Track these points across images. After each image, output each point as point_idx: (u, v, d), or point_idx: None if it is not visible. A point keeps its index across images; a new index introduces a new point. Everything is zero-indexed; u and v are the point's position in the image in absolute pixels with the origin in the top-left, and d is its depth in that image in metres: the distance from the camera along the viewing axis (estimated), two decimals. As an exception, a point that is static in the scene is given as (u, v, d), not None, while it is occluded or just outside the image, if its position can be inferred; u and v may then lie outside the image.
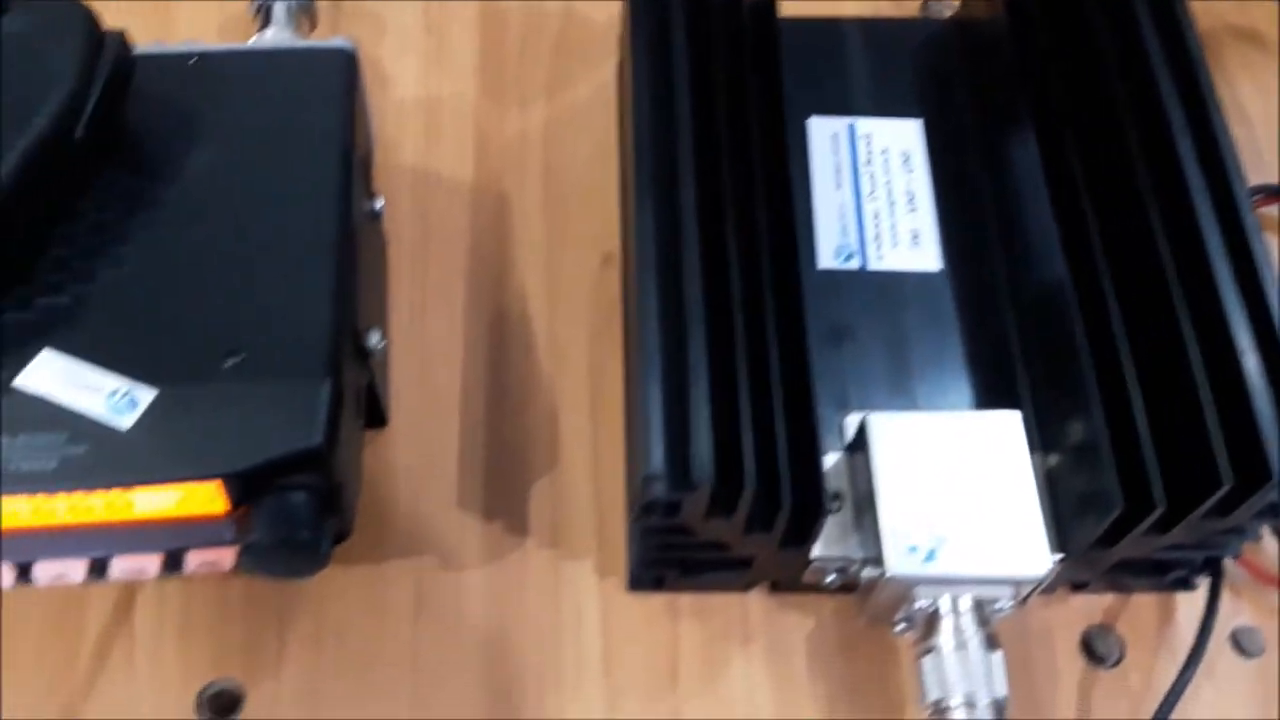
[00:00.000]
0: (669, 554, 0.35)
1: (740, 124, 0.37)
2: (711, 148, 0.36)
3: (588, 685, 0.37)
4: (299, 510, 0.31)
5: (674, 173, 0.35)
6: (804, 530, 0.33)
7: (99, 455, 0.31)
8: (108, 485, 0.31)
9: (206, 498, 0.32)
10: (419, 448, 0.41)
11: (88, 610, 0.38)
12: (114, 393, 0.32)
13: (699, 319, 0.33)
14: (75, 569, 0.33)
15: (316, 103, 0.39)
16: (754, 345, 0.33)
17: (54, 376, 0.32)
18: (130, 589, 0.38)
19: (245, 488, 0.32)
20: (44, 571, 0.33)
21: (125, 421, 0.31)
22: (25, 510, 0.31)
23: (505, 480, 0.41)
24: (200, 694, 0.37)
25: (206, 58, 0.40)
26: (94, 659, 0.37)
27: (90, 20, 0.36)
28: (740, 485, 0.31)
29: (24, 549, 0.32)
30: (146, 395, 0.32)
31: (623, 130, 0.46)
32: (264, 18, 0.44)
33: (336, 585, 0.38)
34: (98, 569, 0.33)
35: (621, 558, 0.39)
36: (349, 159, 0.38)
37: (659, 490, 0.31)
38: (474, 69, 0.49)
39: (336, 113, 0.39)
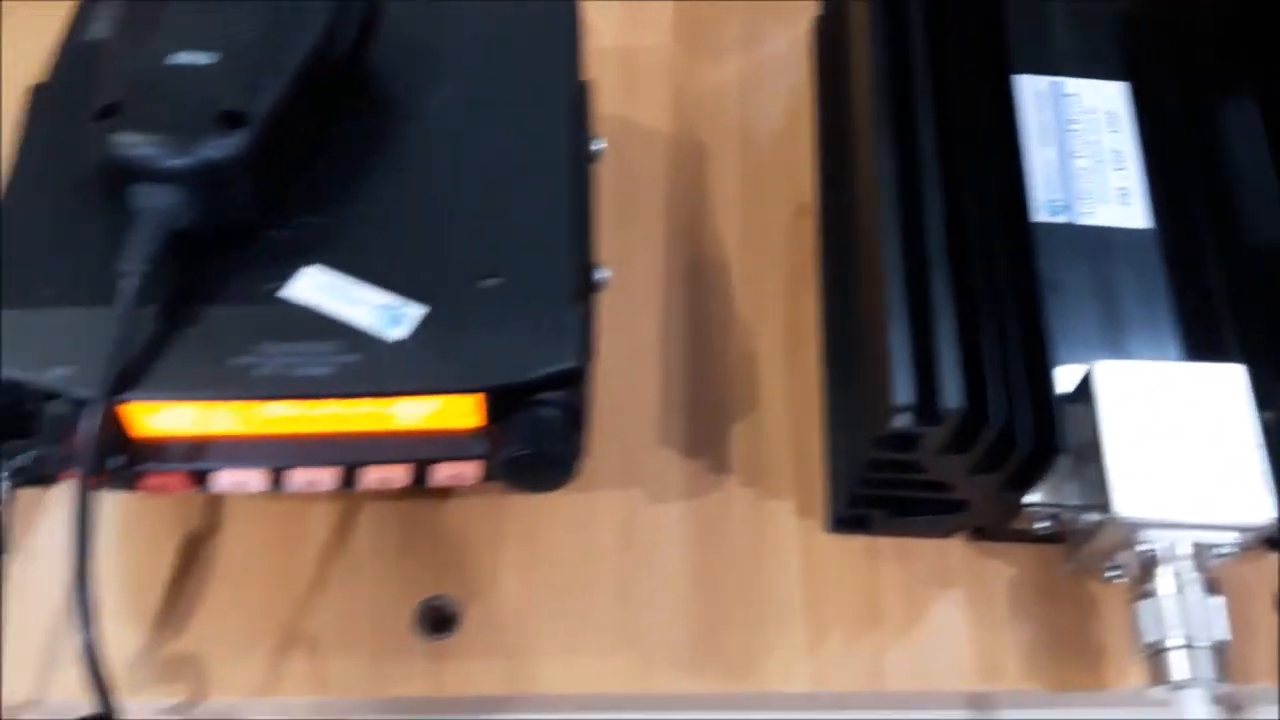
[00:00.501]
0: (885, 491, 0.36)
1: (968, 75, 0.38)
2: (944, 95, 0.37)
3: (791, 622, 0.38)
4: (554, 426, 0.33)
5: (911, 116, 0.36)
6: (1035, 472, 0.34)
7: (372, 364, 0.32)
8: (384, 393, 0.32)
9: (464, 411, 0.33)
10: (622, 386, 0.42)
11: (308, 526, 0.39)
12: (382, 306, 0.33)
13: (941, 258, 0.34)
14: (327, 477, 0.34)
15: (546, 43, 0.40)
16: (991, 288, 0.34)
17: (321, 289, 0.33)
18: (351, 508, 0.39)
19: (502, 403, 0.33)
20: (297, 478, 0.34)
21: (394, 334, 0.33)
22: (294, 415, 0.33)
23: (705, 420, 0.42)
24: (418, 609, 0.38)
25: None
26: (315, 573, 0.38)
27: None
28: (982, 422, 0.32)
29: (281, 454, 0.34)
30: (413, 310, 0.33)
31: (822, 83, 0.47)
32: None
33: (547, 513, 0.39)
34: (348, 478, 0.34)
35: (819, 500, 0.40)
36: (581, 97, 0.39)
37: (905, 421, 0.32)
38: (670, 23, 0.50)
39: (566, 53, 0.40)
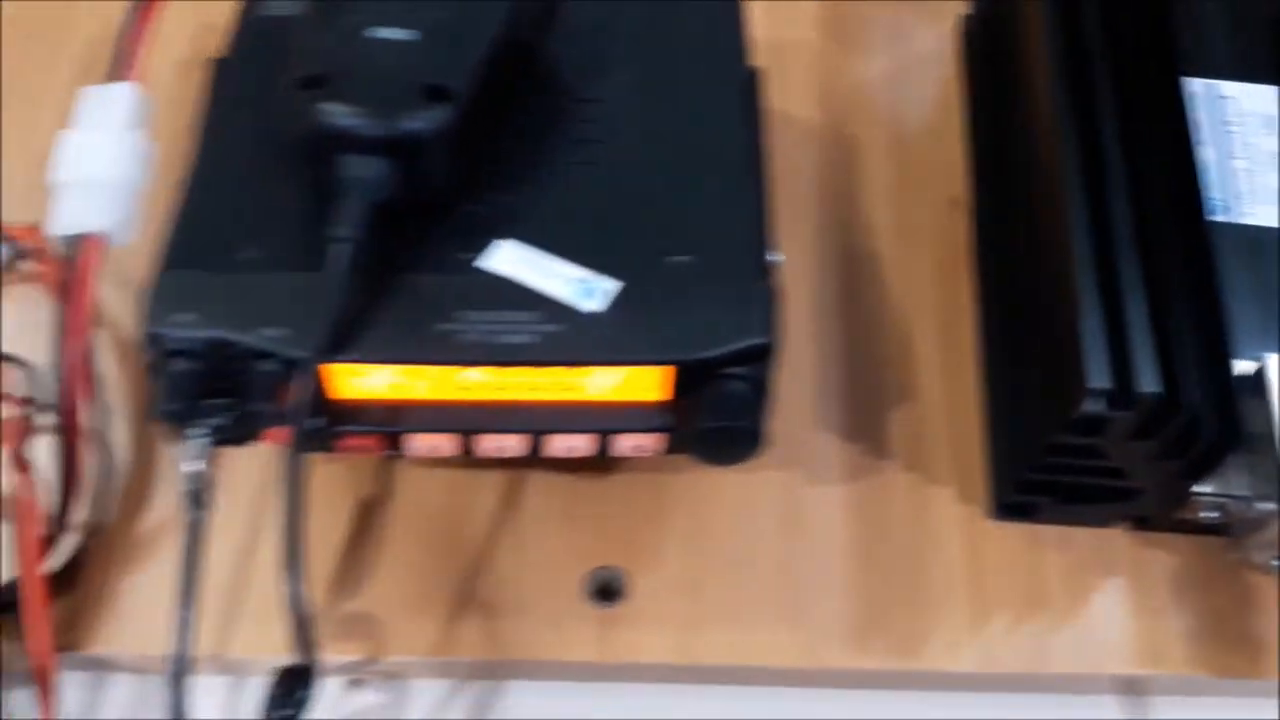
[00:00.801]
0: (1059, 477, 0.37)
1: (1142, 73, 0.38)
2: (1122, 91, 0.37)
3: (954, 604, 0.39)
4: (744, 399, 0.33)
5: (1092, 111, 0.36)
6: (1214, 461, 0.34)
7: (570, 334, 0.33)
8: (583, 362, 0.33)
9: (652, 383, 0.34)
10: (779, 370, 0.42)
11: (476, 495, 0.40)
12: (577, 280, 0.34)
13: (1128, 247, 0.34)
14: (514, 443, 0.35)
15: (714, 29, 0.41)
16: (1174, 279, 0.34)
17: (518, 262, 0.34)
18: (516, 479, 0.40)
19: (690, 377, 0.34)
20: (486, 444, 0.35)
21: (590, 306, 0.33)
22: (487, 381, 0.34)
23: (862, 405, 0.42)
24: (586, 577, 0.39)
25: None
26: (485, 540, 0.39)
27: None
28: (1174, 408, 0.32)
29: (472, 420, 0.35)
30: (606, 284, 0.34)
31: (974, 79, 0.47)
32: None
33: (712, 490, 0.40)
34: (534, 445, 0.35)
35: (978, 485, 0.40)
36: (754, 82, 0.40)
37: (1097, 405, 0.32)
38: (815, 17, 0.50)
39: (735, 40, 0.41)
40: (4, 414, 0.38)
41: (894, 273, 0.45)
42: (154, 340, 0.33)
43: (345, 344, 0.33)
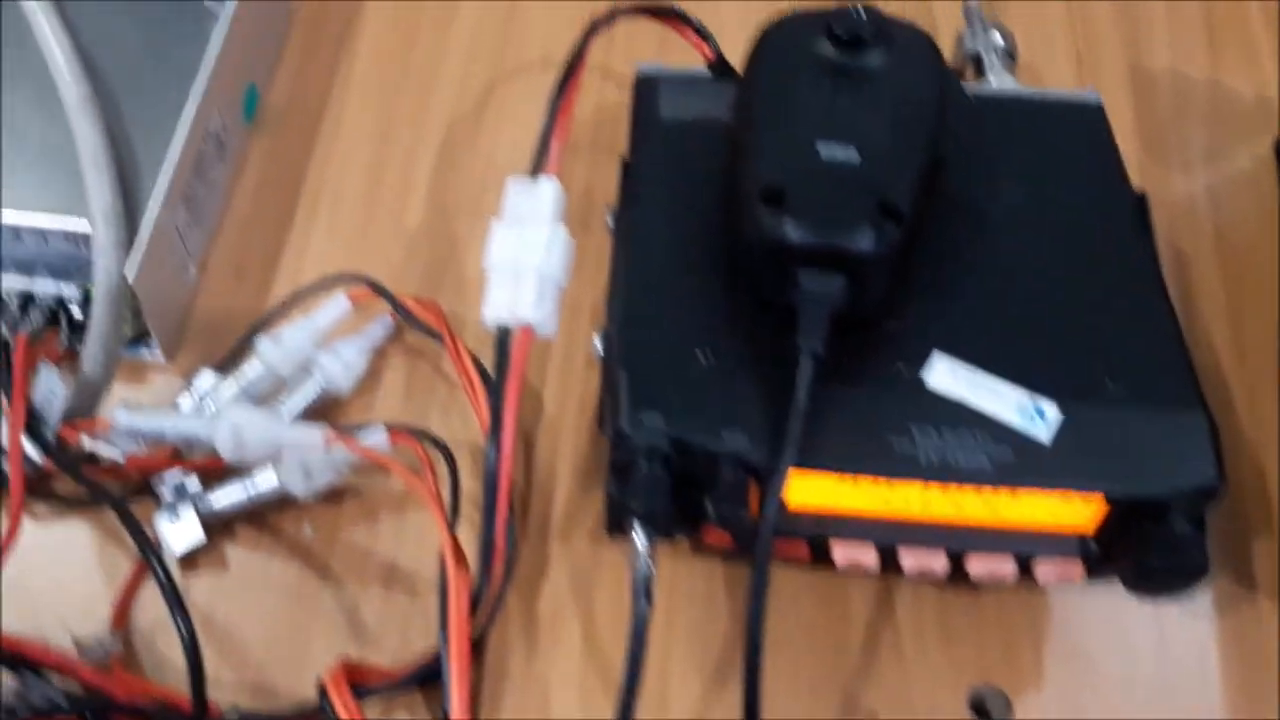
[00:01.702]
0: None
1: None
2: None
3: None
4: (1189, 539, 0.33)
5: None
6: None
7: (1022, 458, 0.33)
8: (1038, 487, 0.33)
9: (1086, 512, 0.34)
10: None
11: (851, 605, 0.39)
12: (1023, 402, 0.34)
13: None
14: (938, 562, 0.35)
15: (1090, 150, 0.41)
16: None
17: (957, 379, 0.34)
18: (887, 589, 0.40)
19: (1133, 510, 0.34)
20: (911, 560, 0.35)
21: (1037, 431, 0.34)
22: (916, 496, 0.34)
23: (1221, 532, 0.42)
24: (970, 694, 0.38)
25: (981, 100, 0.43)
26: (864, 649, 0.39)
27: (937, 48, 0.39)
28: None
29: (896, 534, 0.35)
30: (1052, 410, 0.34)
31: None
32: (976, 65, 0.47)
33: (1085, 609, 0.40)
34: (955, 564, 0.35)
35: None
36: (1144, 204, 0.40)
37: None
38: (1132, 128, 0.51)
39: (1111, 160, 0.41)
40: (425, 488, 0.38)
41: (1239, 391, 0.45)
42: (622, 439, 0.33)
43: (805, 452, 0.33)
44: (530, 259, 0.36)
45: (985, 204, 0.39)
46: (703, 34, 0.44)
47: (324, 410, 0.42)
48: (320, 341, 0.41)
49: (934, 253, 0.37)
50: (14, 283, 0.41)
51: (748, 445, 0.33)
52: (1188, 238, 0.48)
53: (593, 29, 0.42)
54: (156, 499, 0.39)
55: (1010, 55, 0.47)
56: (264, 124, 0.49)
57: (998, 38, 0.47)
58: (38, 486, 0.39)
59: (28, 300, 0.40)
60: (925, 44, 0.39)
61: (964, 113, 0.41)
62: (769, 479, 0.32)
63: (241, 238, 0.47)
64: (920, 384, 0.34)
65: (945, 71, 0.39)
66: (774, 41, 0.39)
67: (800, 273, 0.34)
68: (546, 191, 0.37)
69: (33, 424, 0.37)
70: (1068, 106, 0.43)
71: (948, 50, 0.48)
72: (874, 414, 0.34)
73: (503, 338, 0.36)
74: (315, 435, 0.38)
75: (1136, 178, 0.49)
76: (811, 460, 0.33)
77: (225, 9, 0.44)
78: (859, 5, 0.38)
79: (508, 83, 0.51)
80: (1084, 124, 0.42)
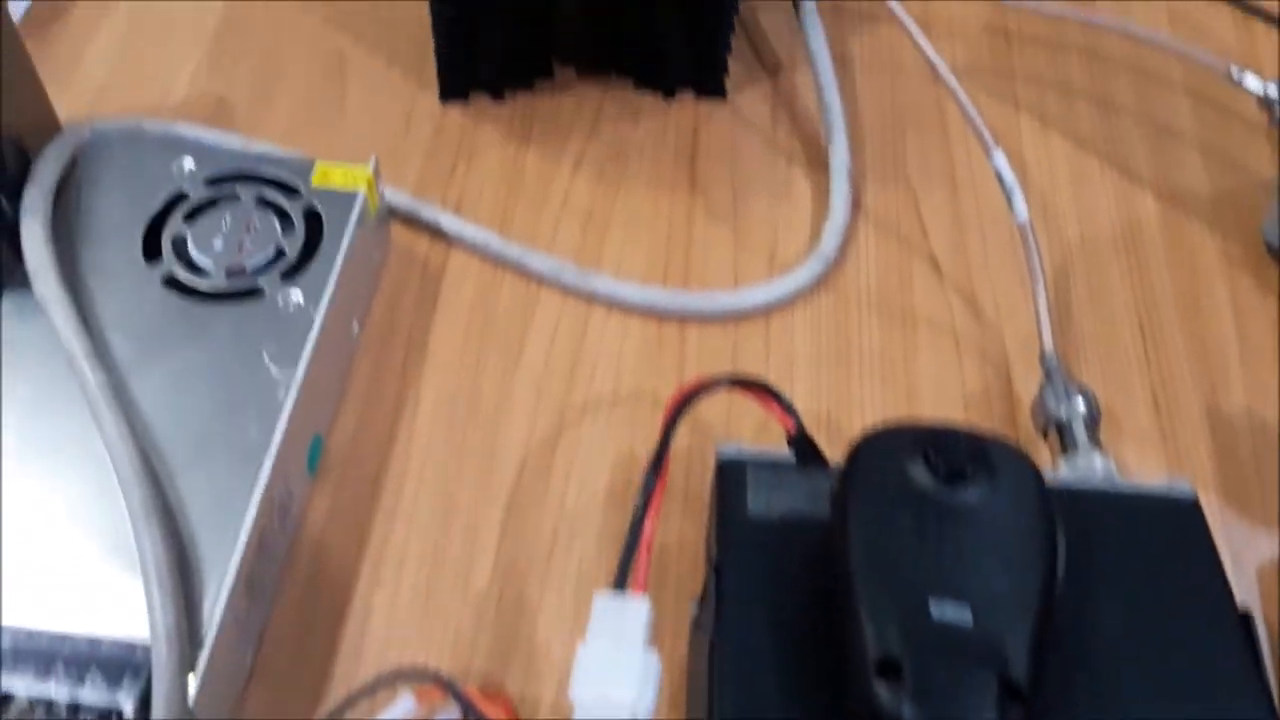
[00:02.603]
0: None
1: None
2: None
3: None
4: None
5: None
6: None
7: None
8: None
9: None
10: None
11: None
12: None
13: None
14: None
15: (1188, 561, 0.40)
16: None
17: None
18: None
19: None
20: None
21: None
22: None
23: None
24: None
25: (1071, 495, 0.41)
26: None
27: (1039, 473, 0.38)
28: None
29: None
30: None
31: None
32: (1060, 438, 0.46)
33: None
34: None
35: None
36: (1247, 624, 0.39)
37: None
38: (1212, 475, 0.50)
39: (1211, 570, 0.39)
40: None
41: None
42: None
43: None
44: (621, 696, 0.34)
45: (1085, 632, 0.38)
46: (788, 409, 0.43)
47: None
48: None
49: (1041, 706, 0.36)
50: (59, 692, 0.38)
51: None
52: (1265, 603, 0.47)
53: (677, 413, 0.41)
54: None
55: (1094, 422, 0.46)
56: (327, 472, 0.47)
57: (1080, 404, 0.46)
58: None
59: (75, 710, 0.39)
60: (1027, 471, 0.37)
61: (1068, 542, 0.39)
62: None
63: (300, 610, 0.44)
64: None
65: (1050, 500, 0.37)
66: (868, 465, 0.37)
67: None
68: (634, 612, 0.36)
69: None
70: (1162, 504, 0.41)
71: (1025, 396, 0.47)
72: None
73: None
74: None
75: (1219, 530, 0.48)
76: None
77: (293, 377, 0.43)
78: (957, 430, 0.37)
79: (577, 422, 0.50)
80: (1180, 526, 0.41)
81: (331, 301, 0.46)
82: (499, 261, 0.54)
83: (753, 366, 0.52)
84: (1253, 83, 0.55)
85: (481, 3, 0.56)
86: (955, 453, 0.37)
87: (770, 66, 0.63)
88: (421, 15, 0.57)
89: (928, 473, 0.36)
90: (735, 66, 0.61)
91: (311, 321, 0.45)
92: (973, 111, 0.51)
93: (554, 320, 0.53)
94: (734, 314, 0.53)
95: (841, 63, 0.62)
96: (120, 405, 0.41)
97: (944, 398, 0.51)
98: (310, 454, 0.46)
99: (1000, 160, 0.49)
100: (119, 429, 0.40)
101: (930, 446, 0.37)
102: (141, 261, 0.47)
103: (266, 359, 0.44)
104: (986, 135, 0.50)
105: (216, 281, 0.46)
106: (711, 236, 0.56)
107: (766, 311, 0.53)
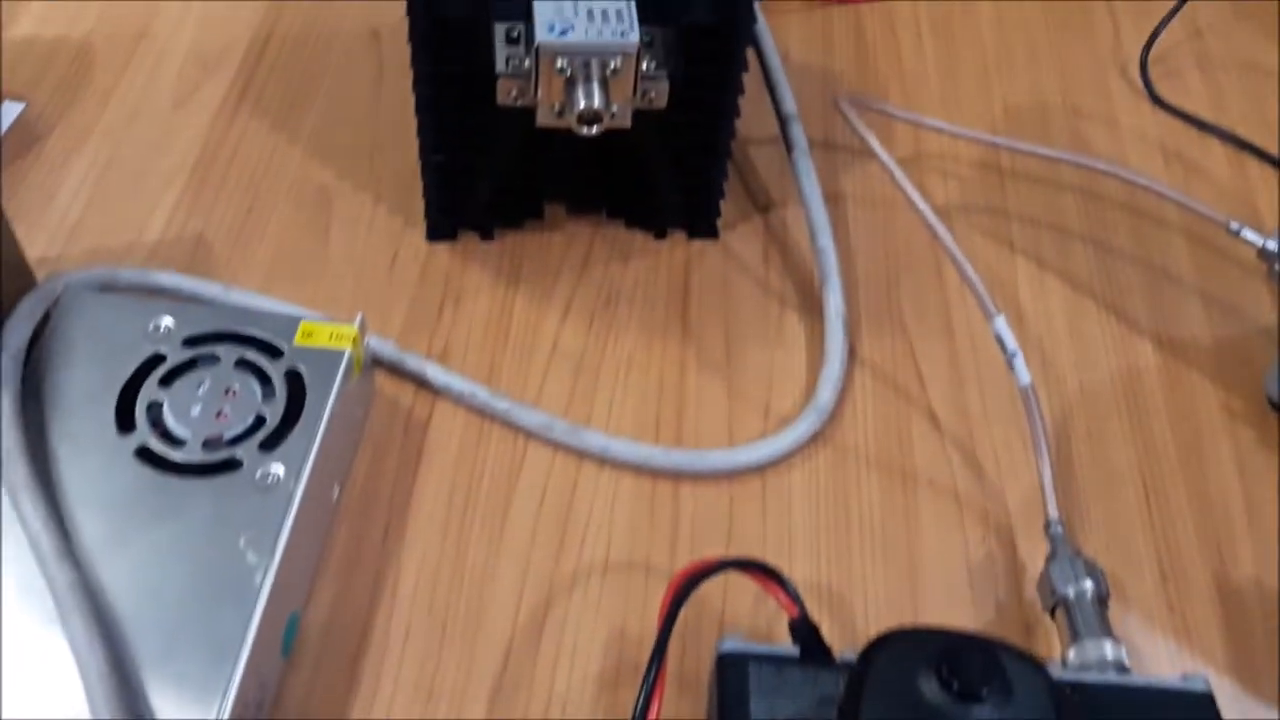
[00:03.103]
0: None
1: None
2: None
3: None
4: None
5: None
6: None
7: None
8: None
9: None
10: None
11: None
12: None
13: None
14: None
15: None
16: None
17: None
18: None
19: None
20: None
21: None
22: None
23: None
24: None
25: (1082, 691, 0.40)
26: None
27: (1055, 687, 0.36)
28: None
29: None
30: None
31: None
32: (1069, 619, 0.44)
33: None
34: None
35: None
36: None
37: None
38: (1222, 652, 0.48)
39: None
40: None
41: None
42: None
43: None
44: None
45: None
46: (792, 596, 0.41)
47: None
48: None
49: None
50: None
51: None
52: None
53: (676, 606, 0.39)
54: None
55: (1103, 603, 0.44)
56: (303, 652, 0.45)
57: (1089, 585, 0.44)
58: None
59: None
60: (1041, 687, 0.36)
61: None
62: None
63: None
64: None
65: (1063, 713, 0.36)
66: (878, 677, 0.36)
67: None
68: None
69: None
70: (1176, 699, 0.40)
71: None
72: None
73: None
74: None
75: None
76: None
77: (270, 562, 0.41)
78: (971, 641, 0.36)
79: (566, 595, 0.47)
80: (1190, 713, 0.39)
81: (313, 473, 0.44)
82: (486, 413, 0.53)
83: (749, 529, 0.50)
84: (1251, 236, 0.55)
85: (473, 151, 0.54)
86: (970, 669, 0.35)
87: (761, 204, 0.62)
88: (408, 151, 0.56)
89: (940, 689, 0.35)
90: (726, 204, 0.60)
91: (291, 497, 0.43)
92: (970, 272, 0.50)
93: (543, 478, 0.51)
94: (729, 472, 0.52)
95: (834, 200, 0.62)
96: (90, 605, 0.39)
97: (948, 569, 0.49)
98: (286, 635, 0.43)
99: (1001, 325, 0.48)
100: (87, 634, 0.37)
101: (944, 661, 0.35)
102: (114, 431, 0.45)
103: (243, 543, 0.42)
104: (986, 300, 0.49)
105: (192, 453, 0.44)
106: (705, 385, 0.55)
107: (762, 469, 0.52)
